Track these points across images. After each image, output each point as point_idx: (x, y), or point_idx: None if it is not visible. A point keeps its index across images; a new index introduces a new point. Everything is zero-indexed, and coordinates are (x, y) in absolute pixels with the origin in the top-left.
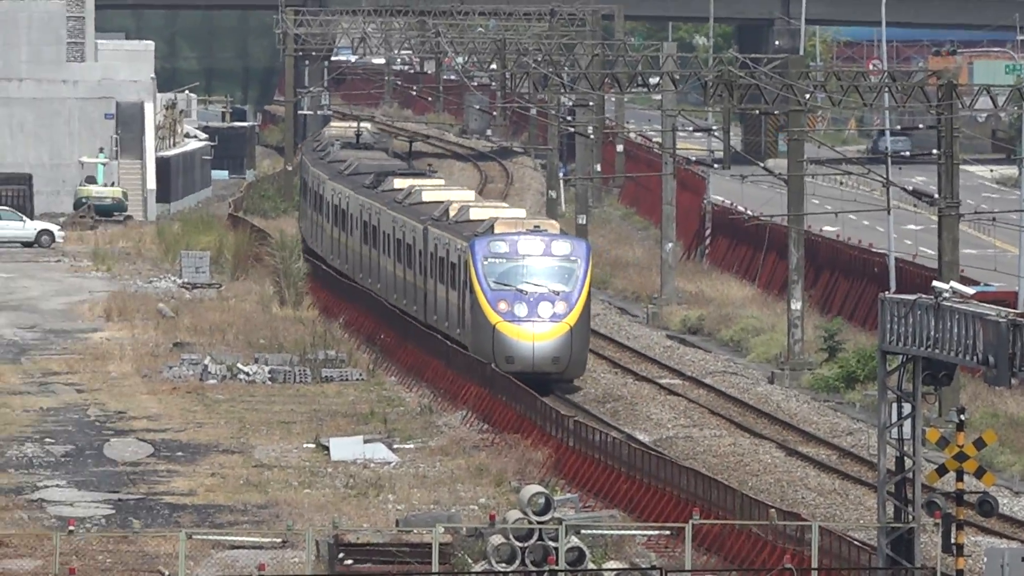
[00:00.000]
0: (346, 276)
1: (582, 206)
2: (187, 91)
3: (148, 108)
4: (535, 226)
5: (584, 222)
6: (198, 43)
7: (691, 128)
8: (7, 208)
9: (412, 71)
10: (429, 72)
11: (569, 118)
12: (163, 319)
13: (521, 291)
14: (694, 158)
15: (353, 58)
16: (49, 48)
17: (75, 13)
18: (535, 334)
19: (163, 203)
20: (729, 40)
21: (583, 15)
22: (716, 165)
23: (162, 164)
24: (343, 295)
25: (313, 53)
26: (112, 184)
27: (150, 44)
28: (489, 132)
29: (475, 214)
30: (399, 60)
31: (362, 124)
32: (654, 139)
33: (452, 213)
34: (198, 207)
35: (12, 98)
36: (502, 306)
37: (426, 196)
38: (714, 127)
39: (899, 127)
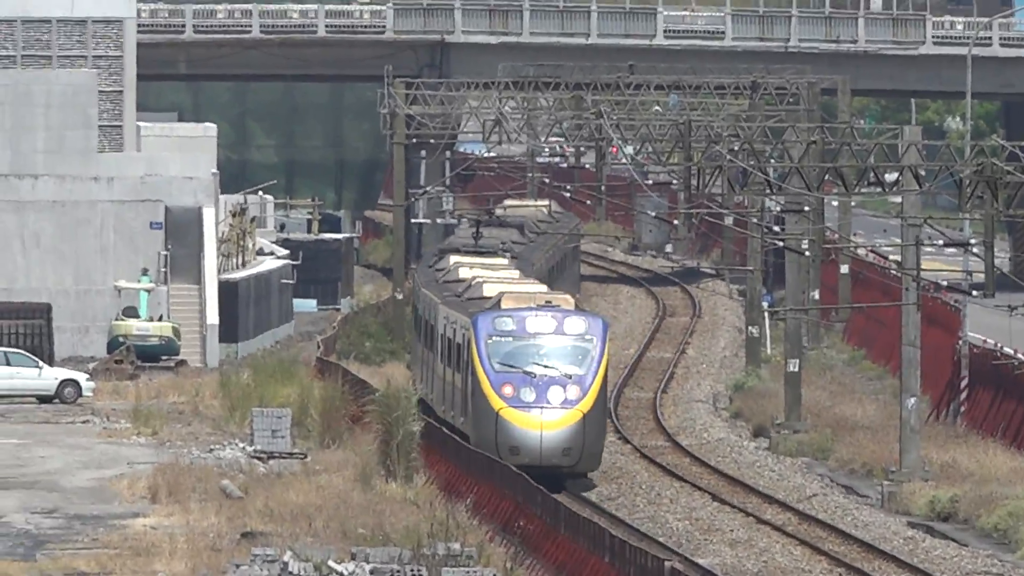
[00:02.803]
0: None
1: (794, 347)
2: (261, 192)
3: (208, 215)
4: (546, 301)
5: (796, 368)
6: (276, 127)
7: (941, 242)
8: (18, 351)
9: (565, 165)
10: (588, 166)
11: (776, 228)
12: (228, 500)
13: (529, 373)
14: (945, 283)
15: (484, 148)
16: (74, 133)
17: (110, 86)
18: (544, 422)
19: (228, 343)
20: (993, 122)
21: (796, 88)
22: (975, 292)
23: (227, 290)
24: (470, 467)
25: (431, 140)
26: (160, 318)
27: (212, 128)
28: (669, 248)
29: (487, 289)
30: (546, 150)
31: (545, 203)
32: (891, 257)
33: (467, 288)
34: (275, 349)
35: (25, 201)
36: (507, 390)
37: (462, 273)
38: (972, 240)
39: None
